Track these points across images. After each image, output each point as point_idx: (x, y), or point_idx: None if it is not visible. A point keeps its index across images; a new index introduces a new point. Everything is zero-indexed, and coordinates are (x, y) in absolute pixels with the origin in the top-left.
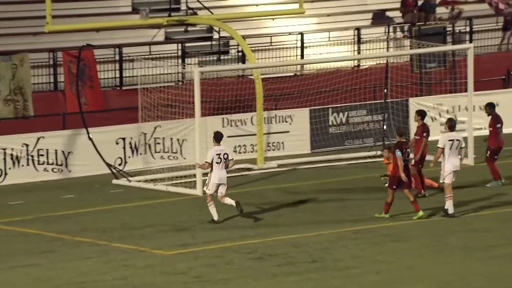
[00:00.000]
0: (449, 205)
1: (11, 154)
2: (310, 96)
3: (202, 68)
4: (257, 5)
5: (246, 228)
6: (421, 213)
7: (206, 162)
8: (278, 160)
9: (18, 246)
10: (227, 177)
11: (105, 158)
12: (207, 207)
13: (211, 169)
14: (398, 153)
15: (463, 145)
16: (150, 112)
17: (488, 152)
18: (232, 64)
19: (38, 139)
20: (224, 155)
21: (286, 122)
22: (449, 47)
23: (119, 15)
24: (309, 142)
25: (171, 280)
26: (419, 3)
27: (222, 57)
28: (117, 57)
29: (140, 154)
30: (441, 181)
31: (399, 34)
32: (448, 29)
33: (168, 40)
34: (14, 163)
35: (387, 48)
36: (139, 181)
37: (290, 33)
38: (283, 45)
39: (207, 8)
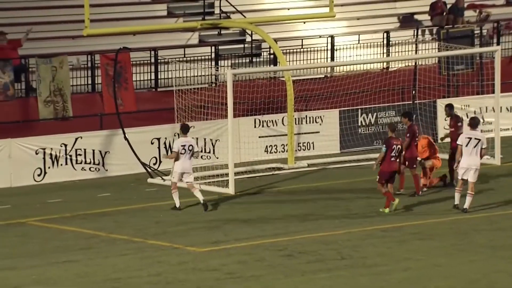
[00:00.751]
0: (456, 197)
1: (50, 154)
2: (340, 97)
3: (235, 70)
4: (288, 9)
5: (277, 225)
6: (397, 201)
7: (173, 151)
8: (308, 160)
9: (56, 243)
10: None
11: (140, 157)
12: (171, 194)
13: (177, 159)
14: (383, 148)
15: (485, 145)
16: (185, 113)
17: (451, 151)
18: (264, 66)
19: (76, 139)
20: (189, 146)
21: (316, 122)
22: (476, 50)
23: (155, 19)
24: (338, 142)
25: (204, 277)
26: (448, 6)
27: (254, 60)
28: (152, 60)
29: None
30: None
31: (427, 37)
32: (475, 31)
33: (202, 43)
34: (53, 162)
35: (416, 50)
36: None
37: (320, 36)
38: (314, 47)
39: (240, 12)
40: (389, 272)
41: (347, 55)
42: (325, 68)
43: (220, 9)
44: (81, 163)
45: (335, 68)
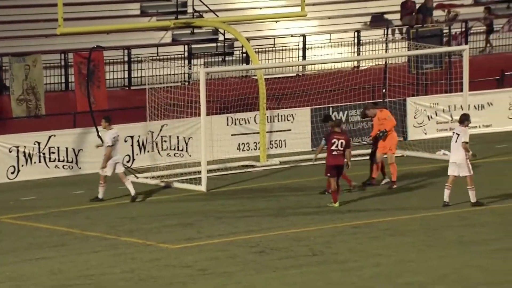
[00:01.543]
0: (445, 194)
1: (24, 152)
2: (312, 95)
3: (207, 69)
4: (260, 8)
5: (249, 222)
6: (337, 204)
7: (108, 146)
8: (280, 157)
9: (30, 240)
10: None
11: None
12: (125, 184)
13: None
14: (322, 141)
15: (463, 139)
16: (157, 111)
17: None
18: (237, 65)
19: (50, 137)
20: (117, 136)
21: (288, 120)
22: (445, 49)
23: (128, 18)
24: (310, 140)
25: (177, 273)
26: (417, 6)
27: (227, 58)
28: (126, 58)
29: (148, 151)
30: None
31: (397, 36)
32: (444, 31)
33: (175, 42)
34: (26, 160)
35: (386, 49)
36: (147, 177)
37: (292, 35)
38: (286, 46)
39: (213, 11)
40: (360, 268)
41: (318, 54)
42: (297, 66)
43: (193, 8)
44: (54, 161)
45: (306, 66)
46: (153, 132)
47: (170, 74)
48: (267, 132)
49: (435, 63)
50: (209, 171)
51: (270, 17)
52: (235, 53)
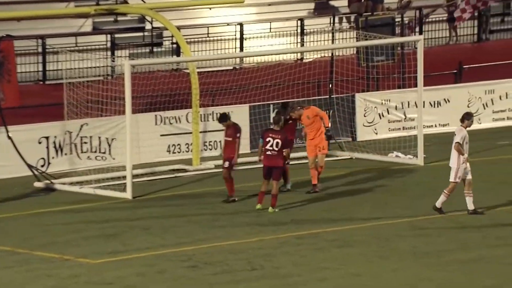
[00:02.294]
0: (440, 199)
1: None
2: (250, 91)
3: (133, 61)
4: None
5: (180, 234)
6: (259, 206)
7: None
8: (215, 160)
9: None
10: None
11: (26, 159)
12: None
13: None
14: (260, 140)
15: (457, 139)
16: (76, 108)
17: None
18: (166, 56)
19: None
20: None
21: None
22: (398, 39)
23: (42, 3)
24: (249, 141)
25: None
26: None
27: (155, 49)
28: (40, 49)
29: (65, 154)
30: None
31: (344, 25)
32: (396, 19)
33: (96, 30)
34: None
35: (332, 40)
36: (64, 183)
37: (228, 24)
38: (221, 36)
39: None
40: (304, 282)
41: (257, 44)
42: (234, 59)
43: None
44: None
45: (244, 59)
46: (71, 132)
47: (90, 67)
48: (200, 132)
49: (386, 55)
50: (135, 176)
51: (204, 4)
52: (164, 44)
